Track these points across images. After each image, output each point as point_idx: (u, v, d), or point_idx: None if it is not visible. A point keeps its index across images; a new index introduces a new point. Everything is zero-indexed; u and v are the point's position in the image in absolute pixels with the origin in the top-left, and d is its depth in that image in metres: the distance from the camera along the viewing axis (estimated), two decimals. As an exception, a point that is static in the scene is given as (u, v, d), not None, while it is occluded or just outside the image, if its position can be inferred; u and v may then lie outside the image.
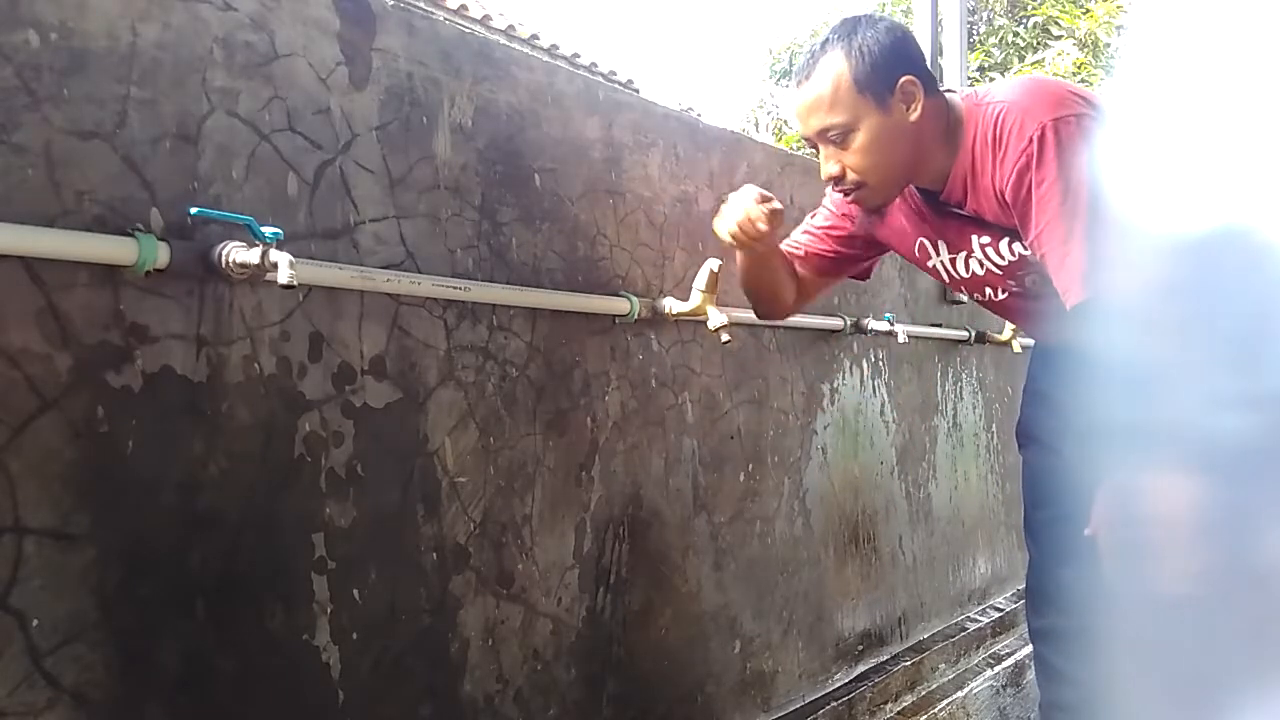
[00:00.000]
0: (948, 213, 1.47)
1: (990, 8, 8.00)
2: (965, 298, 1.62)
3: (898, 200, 1.50)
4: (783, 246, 1.63)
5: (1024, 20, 7.64)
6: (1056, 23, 7.30)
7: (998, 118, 1.32)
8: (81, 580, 0.93)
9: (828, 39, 1.37)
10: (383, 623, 1.21)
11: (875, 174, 1.38)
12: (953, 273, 1.54)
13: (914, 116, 1.36)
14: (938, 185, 1.44)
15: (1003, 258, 1.45)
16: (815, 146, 1.41)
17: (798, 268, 1.63)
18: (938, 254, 1.53)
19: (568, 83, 1.53)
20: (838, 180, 1.41)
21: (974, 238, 1.46)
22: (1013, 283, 1.48)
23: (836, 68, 1.34)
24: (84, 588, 0.93)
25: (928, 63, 1.44)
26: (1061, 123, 1.25)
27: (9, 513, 0.88)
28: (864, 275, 1.73)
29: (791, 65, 10.00)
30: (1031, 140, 1.26)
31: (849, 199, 1.46)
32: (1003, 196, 1.33)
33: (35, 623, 0.90)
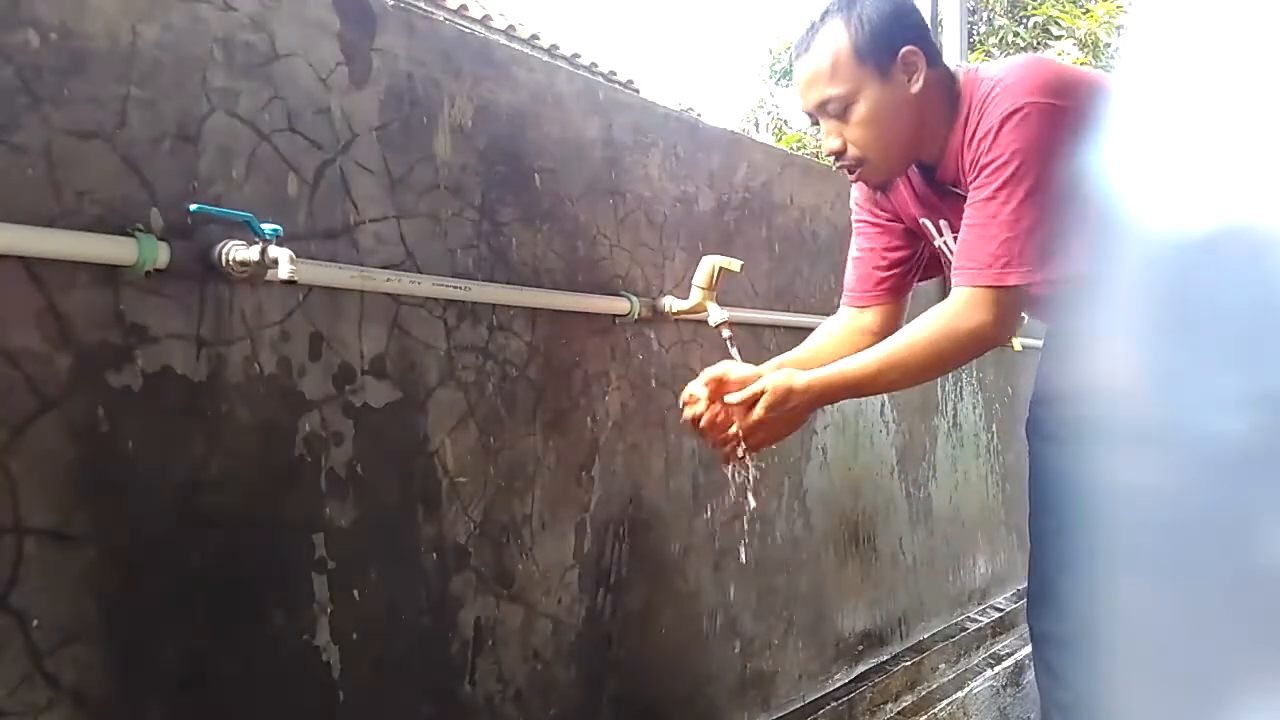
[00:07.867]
0: (947, 191, 1.42)
1: (990, 8, 7.98)
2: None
3: (903, 181, 1.46)
4: (847, 297, 1.57)
5: (1024, 20, 7.63)
6: (1057, 23, 7.29)
7: (988, 94, 1.28)
8: (81, 580, 0.93)
9: (827, 9, 1.34)
10: (383, 623, 1.21)
11: (876, 148, 1.34)
12: (950, 255, 1.47)
13: (916, 88, 1.32)
14: (936, 161, 1.39)
15: None
16: (816, 122, 1.38)
17: (873, 310, 1.55)
18: (940, 234, 1.48)
19: (568, 83, 1.53)
20: (838, 155, 1.37)
21: None
22: None
23: (836, 38, 1.32)
24: (84, 588, 0.93)
25: (931, 32, 1.39)
26: (1038, 108, 1.21)
27: (9, 513, 0.88)
28: (926, 274, 1.64)
29: (792, 65, 9.99)
30: (1003, 116, 1.23)
31: (852, 177, 1.42)
32: (967, 169, 1.29)
33: (35, 623, 0.90)
